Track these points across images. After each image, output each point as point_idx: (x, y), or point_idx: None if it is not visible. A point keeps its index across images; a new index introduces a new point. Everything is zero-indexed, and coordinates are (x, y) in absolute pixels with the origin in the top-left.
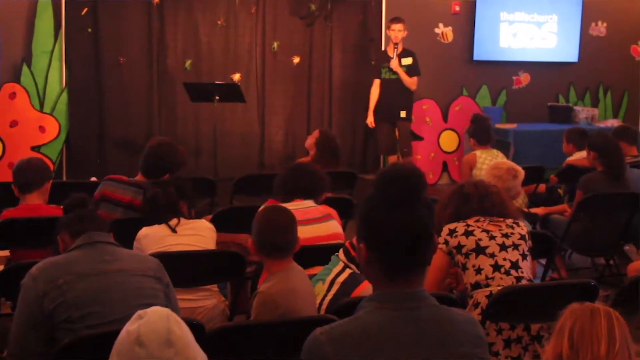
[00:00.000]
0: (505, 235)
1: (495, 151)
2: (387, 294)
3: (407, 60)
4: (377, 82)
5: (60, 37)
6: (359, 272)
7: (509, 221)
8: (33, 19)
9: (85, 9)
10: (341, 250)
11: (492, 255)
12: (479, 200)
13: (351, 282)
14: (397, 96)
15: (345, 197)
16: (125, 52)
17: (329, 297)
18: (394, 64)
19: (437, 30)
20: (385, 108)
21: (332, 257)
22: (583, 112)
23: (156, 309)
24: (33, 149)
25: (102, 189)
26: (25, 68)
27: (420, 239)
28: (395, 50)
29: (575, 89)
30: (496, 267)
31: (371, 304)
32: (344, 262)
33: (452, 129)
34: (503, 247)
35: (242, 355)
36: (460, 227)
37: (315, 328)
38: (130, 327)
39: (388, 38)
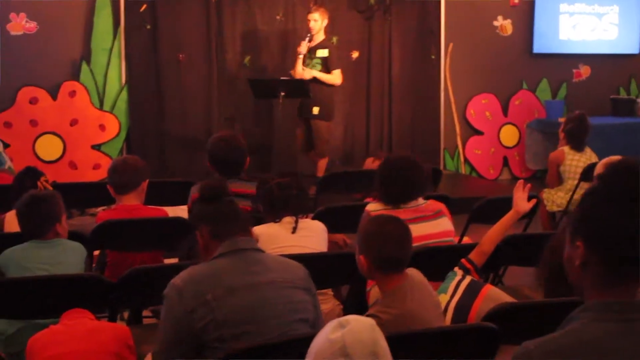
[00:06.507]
0: None
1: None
2: (605, 304)
3: (323, 52)
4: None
5: (119, 35)
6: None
7: None
8: (92, 16)
9: (144, 6)
10: (456, 268)
11: None
12: None
13: (474, 287)
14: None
15: (443, 194)
16: (184, 49)
17: (454, 302)
18: (302, 50)
19: (495, 23)
20: (300, 103)
21: (449, 274)
22: None
23: (358, 318)
24: (93, 147)
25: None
26: (84, 66)
27: None
28: (308, 41)
29: (636, 81)
30: None
31: (587, 314)
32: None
33: (513, 124)
34: None
35: None
36: None
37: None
38: (332, 335)
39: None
